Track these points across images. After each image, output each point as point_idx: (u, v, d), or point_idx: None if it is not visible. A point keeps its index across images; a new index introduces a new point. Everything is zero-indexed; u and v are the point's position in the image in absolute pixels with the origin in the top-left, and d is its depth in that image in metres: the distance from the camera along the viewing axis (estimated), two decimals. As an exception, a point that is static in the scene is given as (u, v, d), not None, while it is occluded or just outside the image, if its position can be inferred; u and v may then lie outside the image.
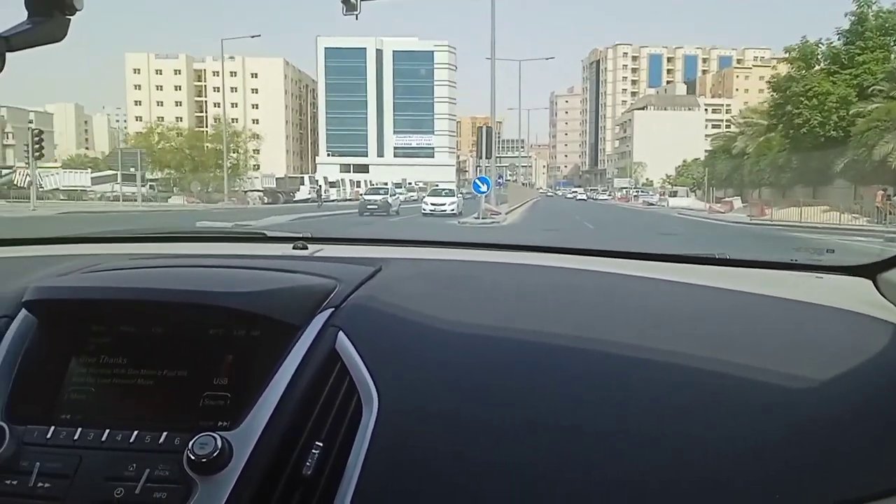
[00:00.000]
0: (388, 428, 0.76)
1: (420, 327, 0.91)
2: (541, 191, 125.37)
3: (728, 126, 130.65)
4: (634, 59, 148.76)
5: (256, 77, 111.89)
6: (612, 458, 0.73)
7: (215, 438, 0.72)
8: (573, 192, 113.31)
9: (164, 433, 0.76)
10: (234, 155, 50.39)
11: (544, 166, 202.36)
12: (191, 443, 0.72)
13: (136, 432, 0.77)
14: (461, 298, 1.06)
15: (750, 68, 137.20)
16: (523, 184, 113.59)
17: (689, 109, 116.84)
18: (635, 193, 76.76)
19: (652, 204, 53.28)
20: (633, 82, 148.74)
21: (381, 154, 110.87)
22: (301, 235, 1.56)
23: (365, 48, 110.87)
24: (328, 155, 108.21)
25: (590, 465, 0.72)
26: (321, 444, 0.74)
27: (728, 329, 0.97)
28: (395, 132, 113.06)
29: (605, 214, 34.93)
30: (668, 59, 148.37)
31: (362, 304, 0.95)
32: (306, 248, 1.40)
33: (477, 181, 23.02)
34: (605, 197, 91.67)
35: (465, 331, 0.91)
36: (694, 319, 1.01)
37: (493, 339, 0.90)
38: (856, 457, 0.73)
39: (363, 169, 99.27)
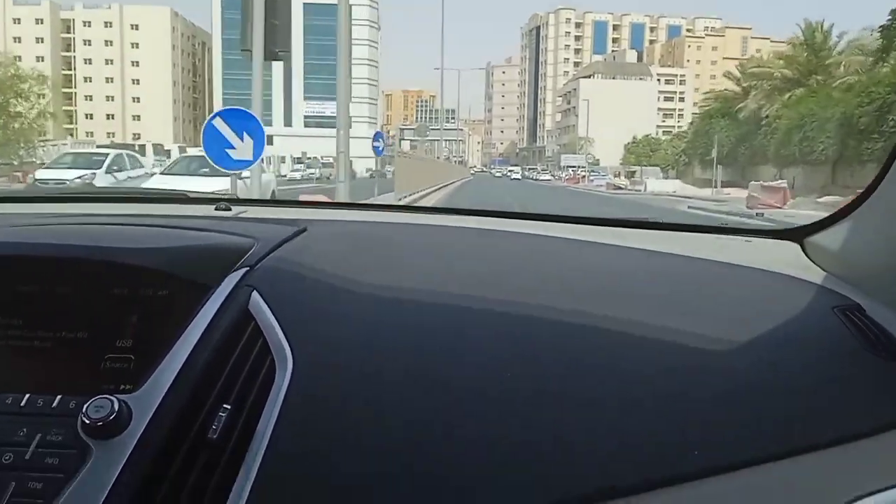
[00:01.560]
0: (302, 390, 0.73)
1: (341, 289, 0.88)
2: (474, 170, 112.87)
3: (682, 98, 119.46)
4: (578, 25, 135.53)
5: (137, 29, 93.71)
6: (535, 419, 0.72)
7: (111, 401, 0.68)
8: (509, 170, 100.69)
9: (59, 396, 0.72)
10: (22, 108, 33.62)
11: (479, 143, 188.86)
12: (85, 406, 0.68)
13: (27, 396, 0.73)
14: (386, 259, 1.03)
15: (702, 37, 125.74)
16: (457, 160, 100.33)
17: (641, 79, 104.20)
18: (584, 173, 63.19)
19: (619, 188, 39.09)
20: (577, 51, 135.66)
21: (288, 123, 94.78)
22: (225, 197, 1.49)
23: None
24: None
25: (511, 426, 0.71)
26: (228, 407, 0.71)
27: (657, 290, 0.97)
28: (304, 98, 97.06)
29: (571, 209, 20.04)
30: (615, 27, 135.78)
31: (280, 265, 0.91)
32: (230, 210, 1.34)
33: (213, 127, 7.07)
34: (547, 177, 77.93)
35: (387, 293, 0.89)
36: (623, 281, 1.01)
37: (417, 300, 0.88)
38: (780, 415, 0.74)
39: (267, 140, 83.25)
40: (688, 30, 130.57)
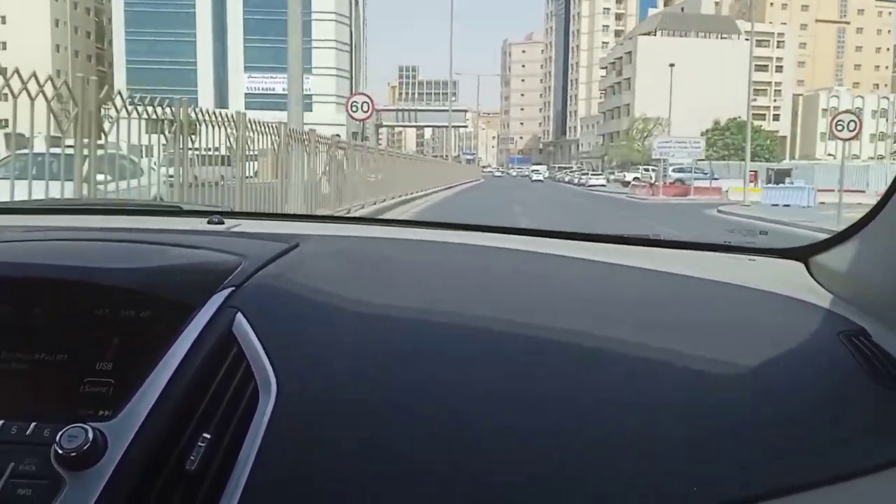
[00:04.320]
0: (286, 418, 0.71)
1: (332, 309, 0.86)
2: (488, 170, 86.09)
3: (779, 68, 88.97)
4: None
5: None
6: (530, 449, 0.70)
7: (86, 430, 0.66)
8: (532, 169, 73.33)
9: (33, 424, 0.70)
10: None
11: (494, 137, 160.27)
12: (59, 435, 0.66)
13: (2, 422, 0.71)
14: (380, 278, 1.01)
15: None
16: (466, 158, 73.90)
17: (724, 37, 73.80)
18: (674, 175, 33.66)
19: None
20: (619, 17, 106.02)
21: (222, 103, 65.86)
22: (218, 209, 1.47)
23: (192, -75, 65.89)
24: (128, 104, 63.24)
25: (505, 457, 0.70)
26: (208, 437, 0.69)
27: (658, 311, 0.96)
28: (246, 69, 68.69)
29: None
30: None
31: (268, 284, 0.89)
32: (222, 223, 1.31)
33: None
34: (600, 181, 48.40)
35: (381, 314, 0.87)
36: (625, 301, 1.00)
37: (412, 322, 0.86)
38: (782, 444, 0.72)
39: (188, 128, 55.04)
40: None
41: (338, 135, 14.39)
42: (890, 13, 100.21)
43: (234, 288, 0.85)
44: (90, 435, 0.66)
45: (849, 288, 0.98)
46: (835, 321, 0.91)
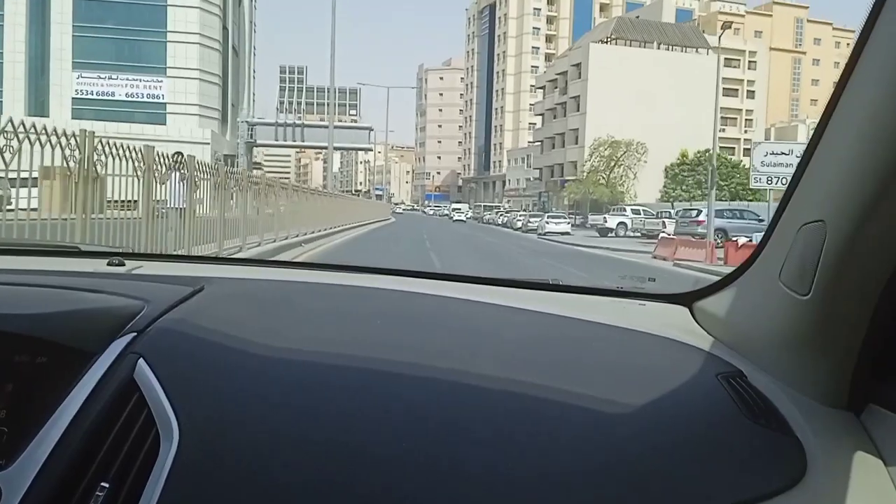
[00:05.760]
0: (189, 464, 0.71)
1: (236, 354, 0.86)
2: (400, 208, 73.61)
3: (751, 93, 76.45)
4: (551, 2, 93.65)
5: None
6: (424, 487, 0.72)
7: None
8: (454, 208, 62.71)
9: None
10: None
11: (408, 172, 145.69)
12: None
13: None
14: (286, 322, 1.02)
15: (742, 16, 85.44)
16: (376, 193, 59.73)
17: (690, 50, 61.12)
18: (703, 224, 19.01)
19: None
20: (549, 39, 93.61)
21: (39, 109, 48.32)
22: (119, 251, 1.46)
23: None
24: None
25: (406, 490, 0.71)
26: (107, 486, 0.68)
27: (551, 354, 0.99)
28: (75, 66, 51.38)
29: None
30: (602, 8, 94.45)
31: (171, 328, 0.89)
32: (123, 265, 1.29)
33: None
34: (564, 227, 33.27)
35: (285, 356, 0.87)
36: (520, 344, 1.02)
37: (317, 366, 0.87)
38: (660, 478, 0.74)
39: None
40: (700, 15, 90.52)
41: (179, 152, 9.96)
42: (848, 44, 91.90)
43: (136, 333, 0.84)
44: None
45: (727, 332, 1.02)
46: (714, 363, 0.94)
